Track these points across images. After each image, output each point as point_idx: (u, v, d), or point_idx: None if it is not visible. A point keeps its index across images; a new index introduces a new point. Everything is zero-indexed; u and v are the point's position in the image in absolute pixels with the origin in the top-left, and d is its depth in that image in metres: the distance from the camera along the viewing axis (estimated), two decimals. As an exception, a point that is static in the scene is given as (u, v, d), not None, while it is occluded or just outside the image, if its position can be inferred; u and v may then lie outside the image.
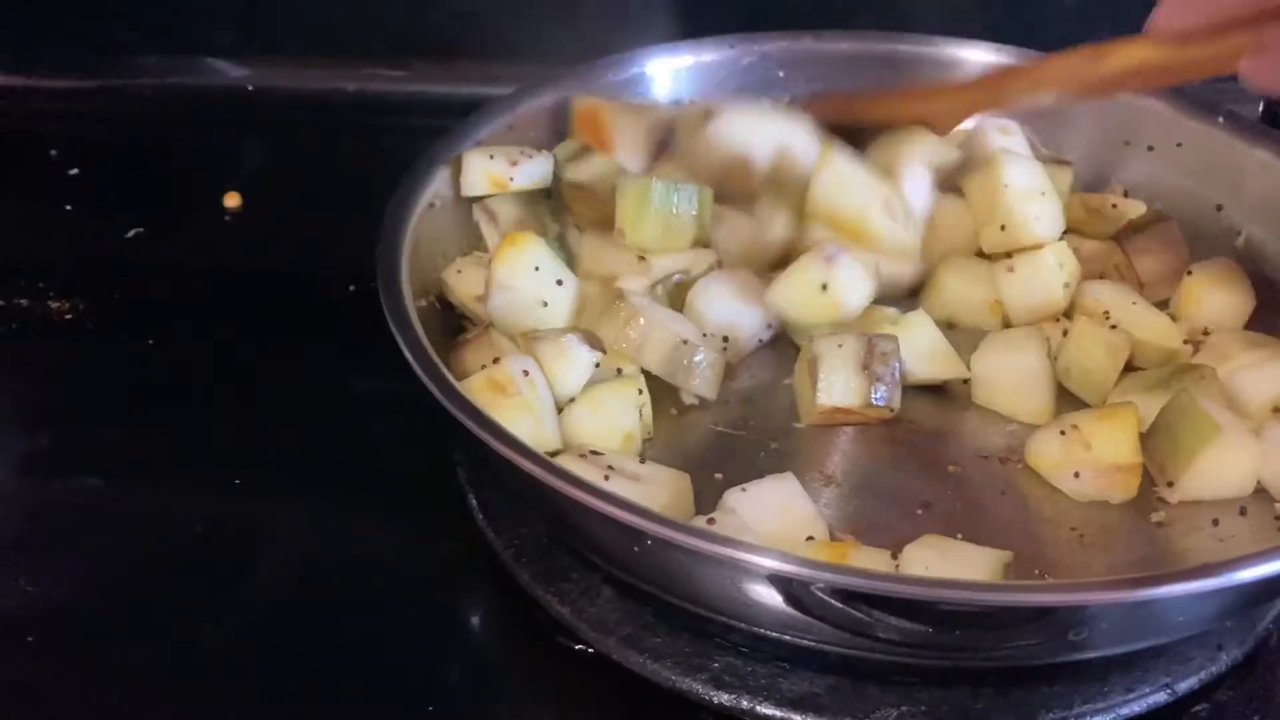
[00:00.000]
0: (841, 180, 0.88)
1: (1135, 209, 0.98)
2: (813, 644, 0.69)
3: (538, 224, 0.94)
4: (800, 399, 0.85)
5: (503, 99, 0.98)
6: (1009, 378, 0.85)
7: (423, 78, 1.33)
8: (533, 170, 0.95)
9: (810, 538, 0.73)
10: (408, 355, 0.73)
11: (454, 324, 0.90)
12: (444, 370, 0.72)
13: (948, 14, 1.21)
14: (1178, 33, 0.78)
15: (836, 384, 0.81)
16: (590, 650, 0.75)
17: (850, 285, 0.84)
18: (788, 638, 0.69)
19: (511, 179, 0.94)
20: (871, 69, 1.09)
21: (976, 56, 1.07)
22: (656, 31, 1.13)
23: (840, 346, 0.82)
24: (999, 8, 1.23)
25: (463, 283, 0.89)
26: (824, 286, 0.84)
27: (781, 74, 1.10)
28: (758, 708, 0.70)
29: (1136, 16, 1.19)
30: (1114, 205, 0.99)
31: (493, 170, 0.93)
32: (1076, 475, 0.78)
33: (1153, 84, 0.92)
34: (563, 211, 0.96)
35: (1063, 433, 0.79)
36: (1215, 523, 0.77)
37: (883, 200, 0.89)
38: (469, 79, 1.27)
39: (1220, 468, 0.77)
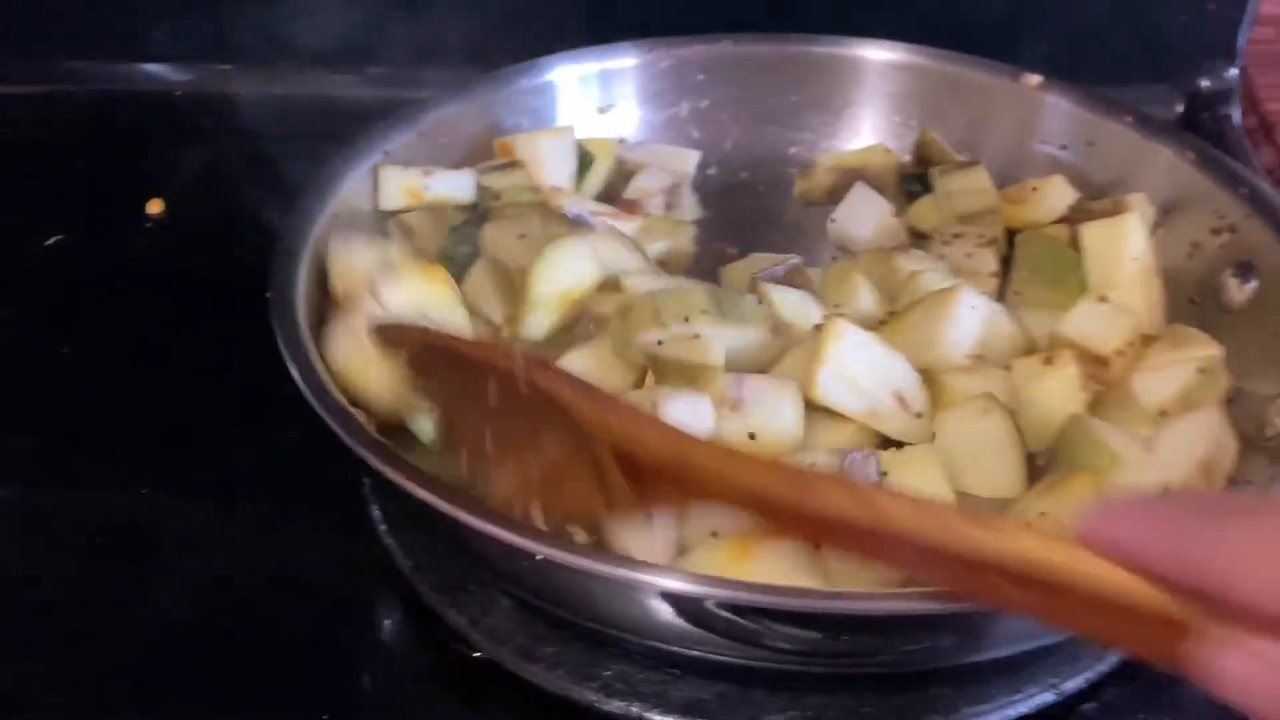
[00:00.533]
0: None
1: (1056, 189, 0.98)
2: (703, 653, 0.69)
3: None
4: None
5: (410, 106, 0.98)
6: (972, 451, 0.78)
7: (353, 84, 1.32)
8: (449, 182, 0.95)
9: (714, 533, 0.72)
10: (299, 381, 0.73)
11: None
12: (335, 394, 0.73)
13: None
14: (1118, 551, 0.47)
15: None
16: (486, 659, 0.75)
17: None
18: (677, 649, 0.70)
19: (426, 188, 0.94)
20: (790, 71, 1.10)
21: (886, 56, 1.07)
22: (576, 38, 1.12)
23: (812, 466, 0.72)
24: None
25: (340, 260, 0.86)
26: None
27: (701, 77, 1.11)
28: (646, 714, 0.71)
29: (1060, 22, 1.22)
30: (1034, 189, 0.99)
31: (408, 182, 0.94)
32: None
33: (1060, 616, 0.51)
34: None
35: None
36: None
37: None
38: (399, 84, 1.26)
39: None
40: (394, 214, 0.94)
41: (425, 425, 0.77)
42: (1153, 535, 0.46)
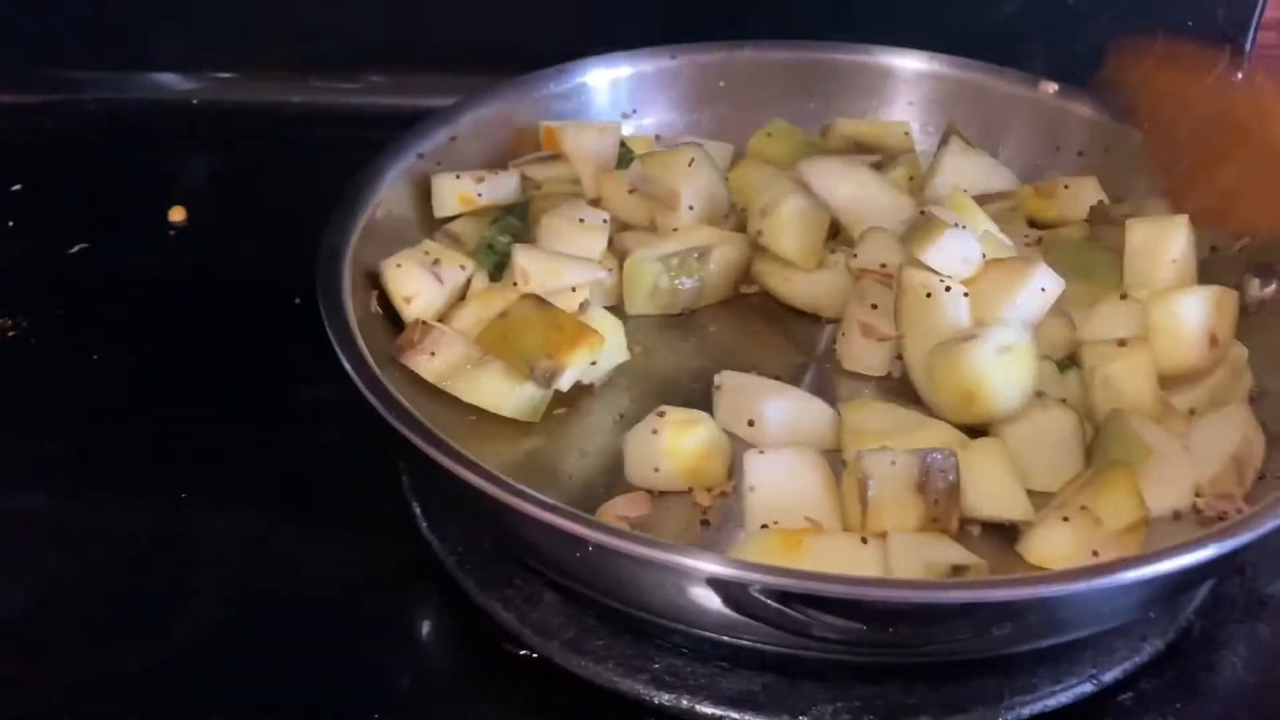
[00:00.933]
0: None
1: (1087, 188, 1.01)
2: (751, 643, 0.70)
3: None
4: (848, 511, 0.76)
5: (444, 110, 1.00)
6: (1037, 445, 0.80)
7: (368, 90, 1.34)
8: (500, 185, 0.96)
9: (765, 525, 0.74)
10: (348, 369, 0.74)
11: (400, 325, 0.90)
12: (385, 382, 0.74)
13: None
14: None
15: (888, 507, 0.73)
16: (534, 655, 0.76)
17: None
18: (725, 638, 0.71)
19: (479, 194, 0.96)
20: (810, 77, 1.12)
21: (911, 65, 1.09)
22: (601, 43, 1.14)
23: (893, 464, 0.73)
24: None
25: (399, 278, 0.88)
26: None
27: (722, 84, 1.12)
28: (697, 707, 0.72)
29: (1070, 30, 1.24)
30: (1065, 186, 1.02)
31: (461, 189, 0.95)
32: (1095, 554, 0.72)
33: None
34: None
35: (1066, 519, 0.73)
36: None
37: None
38: (414, 90, 1.27)
39: (1157, 488, 0.76)
40: (441, 221, 0.96)
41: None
42: None
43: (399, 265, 0.88)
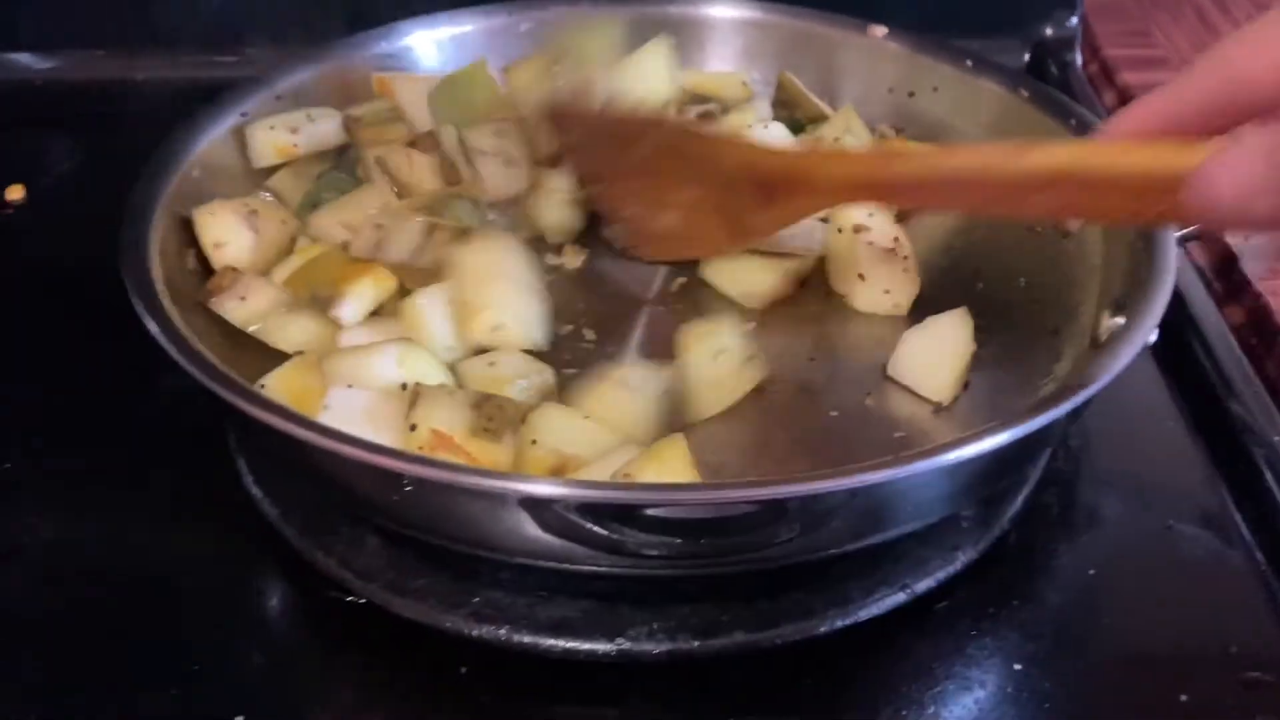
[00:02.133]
0: None
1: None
2: (569, 569, 0.71)
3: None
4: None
5: (268, 72, 0.99)
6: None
7: (222, 65, 1.32)
8: (318, 131, 0.96)
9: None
10: (142, 313, 0.74)
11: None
12: (184, 331, 0.73)
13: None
14: (1132, 131, 0.57)
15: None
16: (361, 601, 0.76)
17: None
18: (545, 563, 0.71)
19: (296, 145, 0.95)
20: (644, 31, 1.12)
21: (742, 15, 1.11)
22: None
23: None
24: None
25: (210, 225, 0.88)
26: None
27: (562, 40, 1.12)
28: (515, 636, 0.72)
29: None
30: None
31: (277, 140, 0.94)
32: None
33: (1077, 207, 0.67)
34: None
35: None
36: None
37: None
38: (255, 62, 1.26)
39: None
40: (261, 172, 0.95)
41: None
42: (1173, 98, 0.56)
43: (212, 213, 0.87)
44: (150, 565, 0.80)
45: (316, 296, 0.87)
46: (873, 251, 0.90)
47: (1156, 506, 0.84)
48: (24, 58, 1.34)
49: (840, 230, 0.90)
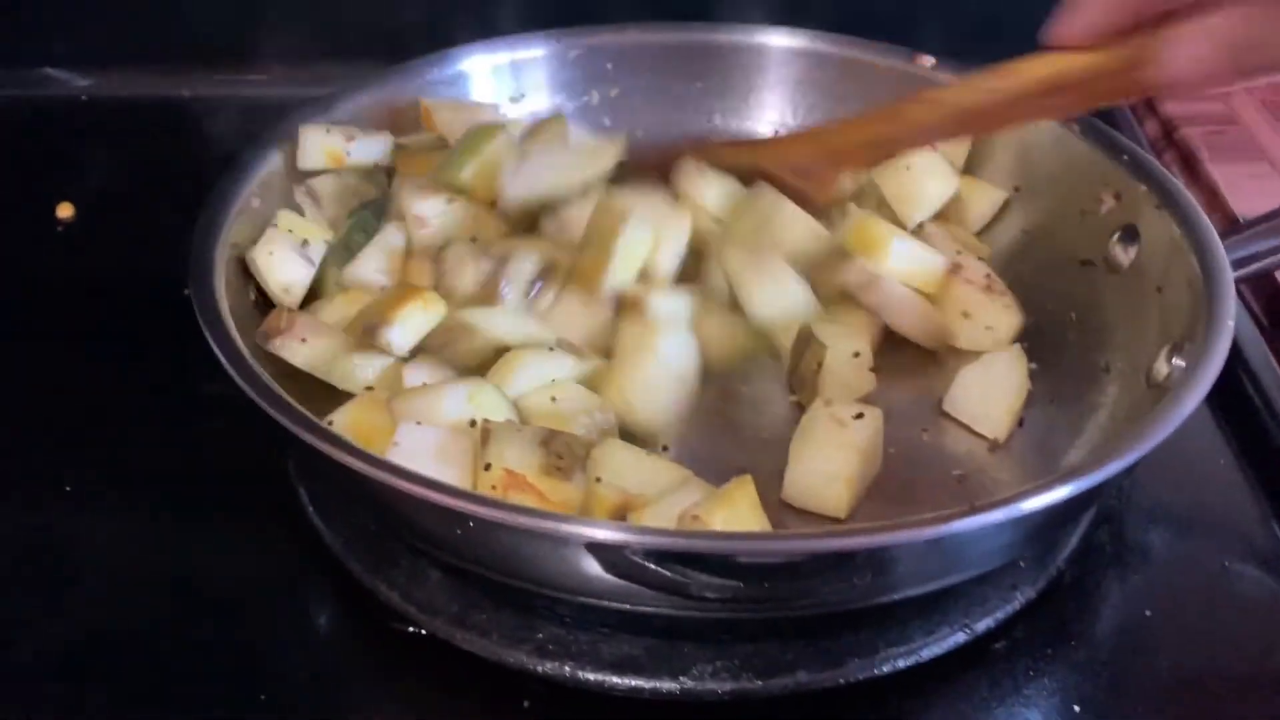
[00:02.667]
0: None
1: None
2: (631, 609, 0.72)
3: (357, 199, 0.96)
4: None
5: (320, 98, 1.00)
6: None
7: (262, 82, 1.33)
8: (370, 144, 0.96)
9: None
10: (216, 350, 0.74)
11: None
12: (254, 365, 0.74)
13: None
14: (1084, 38, 0.68)
15: None
16: (421, 632, 0.77)
17: None
18: (607, 603, 0.72)
19: (349, 153, 0.96)
20: (695, 58, 1.13)
21: (786, 42, 1.11)
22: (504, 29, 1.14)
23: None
24: None
25: (274, 267, 0.88)
26: None
27: (610, 66, 1.13)
28: (580, 673, 0.73)
29: (954, 4, 1.27)
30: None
31: (329, 145, 0.95)
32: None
33: (1069, 106, 0.82)
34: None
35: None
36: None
37: None
38: (309, 82, 1.27)
39: None
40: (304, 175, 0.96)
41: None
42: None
43: (271, 253, 0.88)
44: (210, 592, 0.80)
45: (365, 326, 0.86)
46: (972, 290, 0.92)
47: (1210, 545, 0.85)
48: (66, 74, 1.35)
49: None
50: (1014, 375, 0.86)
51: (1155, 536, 0.85)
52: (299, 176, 0.96)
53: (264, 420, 0.73)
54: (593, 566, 0.67)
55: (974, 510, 0.64)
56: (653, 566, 0.66)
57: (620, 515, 0.75)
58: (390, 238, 0.93)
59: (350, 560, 0.80)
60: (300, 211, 0.94)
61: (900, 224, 0.98)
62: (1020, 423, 0.87)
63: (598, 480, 0.75)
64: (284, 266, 0.88)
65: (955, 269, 0.93)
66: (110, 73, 1.34)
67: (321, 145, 0.95)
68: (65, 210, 1.16)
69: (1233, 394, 0.95)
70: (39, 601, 0.80)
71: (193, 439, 0.91)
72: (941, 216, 1.01)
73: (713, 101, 1.14)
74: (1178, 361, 0.81)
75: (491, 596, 0.76)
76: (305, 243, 0.90)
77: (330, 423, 0.77)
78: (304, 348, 0.83)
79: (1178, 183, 0.93)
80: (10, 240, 1.13)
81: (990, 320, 0.92)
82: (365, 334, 0.84)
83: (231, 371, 0.74)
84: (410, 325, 0.85)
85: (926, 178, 1.01)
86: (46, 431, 0.92)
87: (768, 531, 0.70)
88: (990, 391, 0.86)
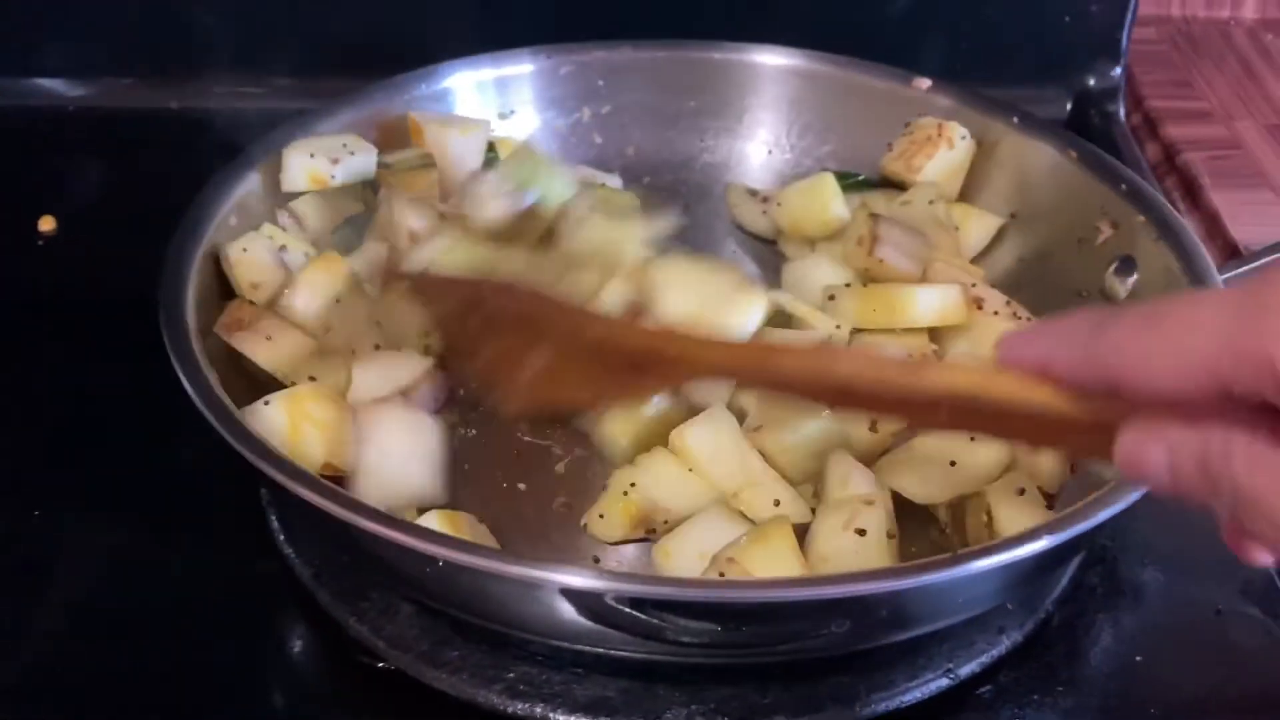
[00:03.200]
0: None
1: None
2: (606, 650, 0.70)
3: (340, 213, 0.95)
4: None
5: (305, 114, 0.98)
6: None
7: (247, 95, 1.31)
8: (354, 165, 0.95)
9: None
10: (188, 388, 0.73)
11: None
12: (228, 403, 0.72)
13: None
14: (1034, 367, 0.51)
15: None
16: (390, 667, 0.75)
17: None
18: (580, 647, 0.70)
19: (333, 176, 0.94)
20: (687, 75, 1.11)
21: (780, 61, 1.09)
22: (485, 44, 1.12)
23: None
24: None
25: (244, 263, 0.87)
26: None
27: (601, 83, 1.11)
28: (552, 714, 0.71)
29: (954, 26, 1.25)
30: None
31: (313, 168, 0.93)
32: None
33: (989, 430, 0.60)
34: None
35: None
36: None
37: None
38: (291, 95, 1.26)
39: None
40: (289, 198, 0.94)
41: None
42: (1060, 348, 0.50)
43: (245, 250, 0.87)
44: (177, 616, 0.79)
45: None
46: (998, 321, 0.89)
47: (1204, 587, 0.82)
48: (54, 84, 1.33)
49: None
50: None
51: (1148, 577, 0.83)
52: (282, 198, 0.95)
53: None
54: (566, 610, 0.65)
55: (957, 559, 0.62)
56: (628, 611, 0.64)
57: (641, 525, 0.76)
58: (370, 254, 0.91)
59: (320, 591, 0.78)
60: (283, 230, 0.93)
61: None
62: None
63: (632, 485, 0.75)
64: (256, 264, 0.87)
65: (977, 302, 0.90)
66: (99, 84, 1.32)
67: (305, 169, 0.93)
68: (47, 224, 1.14)
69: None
70: (3, 615, 0.78)
71: (166, 458, 0.89)
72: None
73: (707, 120, 1.12)
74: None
75: (463, 634, 0.74)
76: (283, 248, 0.89)
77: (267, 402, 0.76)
78: (270, 348, 0.81)
79: (1177, 214, 0.91)
80: (-10, 251, 1.12)
81: None
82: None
83: (198, 401, 0.73)
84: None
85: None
86: (19, 447, 0.91)
87: (747, 580, 0.68)
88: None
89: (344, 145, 0.95)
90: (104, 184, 1.25)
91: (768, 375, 0.62)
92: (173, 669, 0.75)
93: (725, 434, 0.79)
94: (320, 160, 0.93)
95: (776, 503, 0.76)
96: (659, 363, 0.66)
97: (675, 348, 0.65)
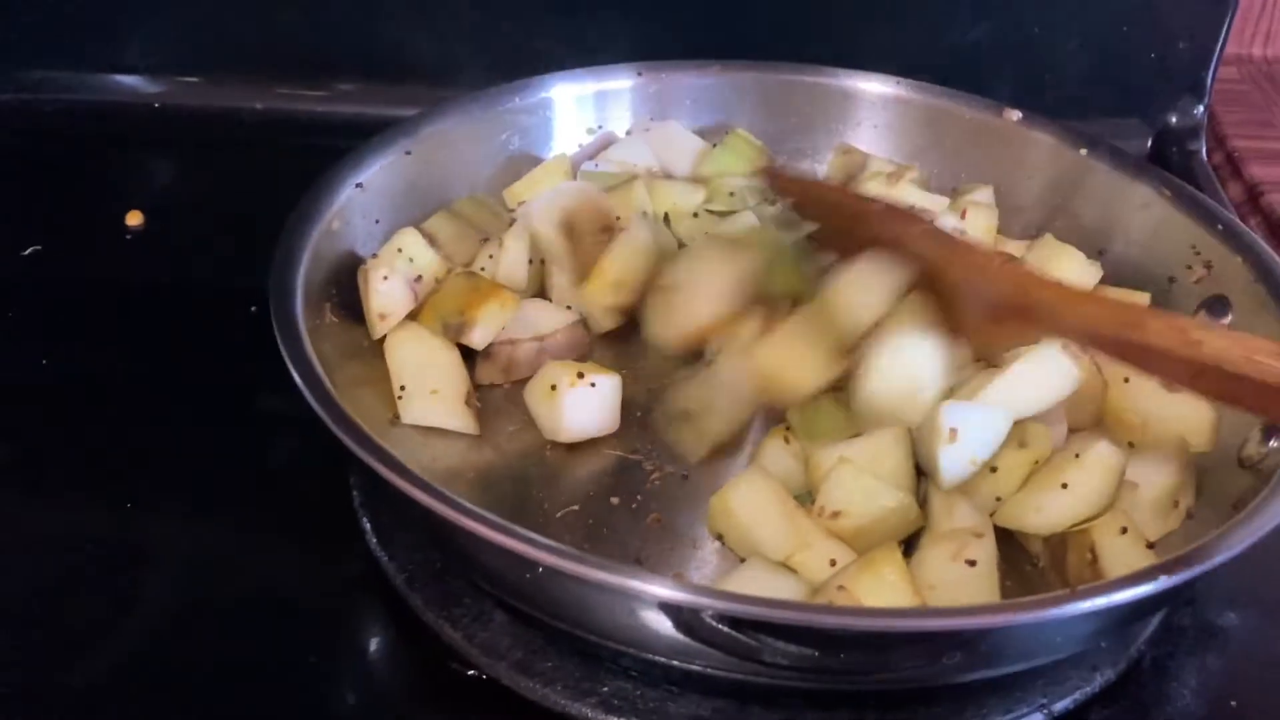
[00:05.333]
0: None
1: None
2: (700, 669, 0.70)
3: (476, 240, 0.97)
4: None
5: (405, 121, 0.99)
6: None
7: (332, 98, 1.32)
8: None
9: None
10: (300, 385, 0.73)
11: (355, 341, 0.90)
12: (336, 398, 0.73)
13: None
14: None
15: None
16: (482, 676, 0.75)
17: None
18: (675, 662, 0.70)
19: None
20: (775, 98, 1.12)
21: (875, 88, 1.10)
22: (567, 59, 1.13)
23: None
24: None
25: (381, 292, 0.89)
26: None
27: (689, 102, 1.12)
28: (645, 731, 0.71)
29: (1036, 57, 1.25)
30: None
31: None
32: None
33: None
34: None
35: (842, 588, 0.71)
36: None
37: None
38: (377, 100, 1.27)
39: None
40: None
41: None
42: None
43: (385, 278, 0.89)
44: (268, 615, 0.79)
45: (447, 325, 0.88)
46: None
47: (1291, 630, 0.82)
48: (134, 80, 1.35)
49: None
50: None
51: (1237, 621, 0.83)
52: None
53: (329, 442, 0.72)
54: (663, 624, 0.65)
55: (1073, 596, 0.62)
56: (726, 630, 0.64)
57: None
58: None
59: (412, 595, 0.78)
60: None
61: None
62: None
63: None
64: (392, 295, 0.89)
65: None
66: (181, 82, 1.34)
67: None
68: (134, 219, 1.16)
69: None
70: (100, 614, 0.78)
71: (257, 457, 0.90)
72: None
73: (795, 141, 1.13)
74: (1274, 444, 0.78)
75: (557, 644, 0.74)
76: (418, 278, 0.91)
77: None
78: None
79: (1275, 255, 0.90)
80: (80, 247, 1.13)
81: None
82: (449, 331, 0.88)
83: (309, 396, 0.73)
84: (490, 324, 0.89)
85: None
86: (114, 441, 0.92)
87: (853, 606, 0.67)
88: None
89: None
90: (188, 181, 1.27)
91: (1128, 343, 0.63)
92: (262, 672, 0.76)
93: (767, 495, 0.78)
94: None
95: (833, 563, 0.74)
96: (1021, 311, 0.67)
97: (1045, 295, 0.66)
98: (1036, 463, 0.77)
